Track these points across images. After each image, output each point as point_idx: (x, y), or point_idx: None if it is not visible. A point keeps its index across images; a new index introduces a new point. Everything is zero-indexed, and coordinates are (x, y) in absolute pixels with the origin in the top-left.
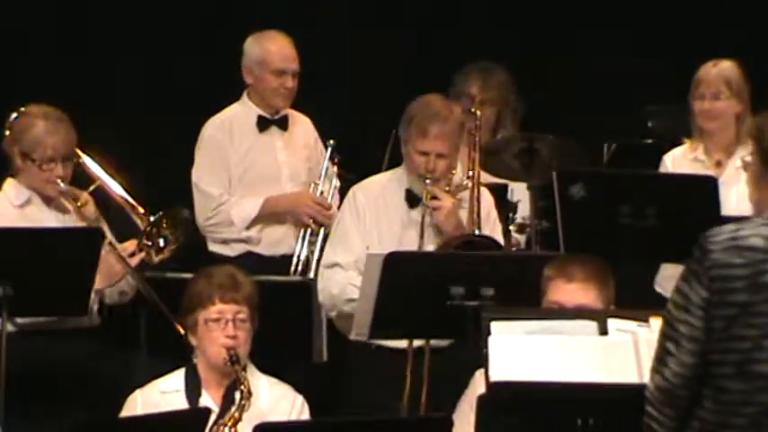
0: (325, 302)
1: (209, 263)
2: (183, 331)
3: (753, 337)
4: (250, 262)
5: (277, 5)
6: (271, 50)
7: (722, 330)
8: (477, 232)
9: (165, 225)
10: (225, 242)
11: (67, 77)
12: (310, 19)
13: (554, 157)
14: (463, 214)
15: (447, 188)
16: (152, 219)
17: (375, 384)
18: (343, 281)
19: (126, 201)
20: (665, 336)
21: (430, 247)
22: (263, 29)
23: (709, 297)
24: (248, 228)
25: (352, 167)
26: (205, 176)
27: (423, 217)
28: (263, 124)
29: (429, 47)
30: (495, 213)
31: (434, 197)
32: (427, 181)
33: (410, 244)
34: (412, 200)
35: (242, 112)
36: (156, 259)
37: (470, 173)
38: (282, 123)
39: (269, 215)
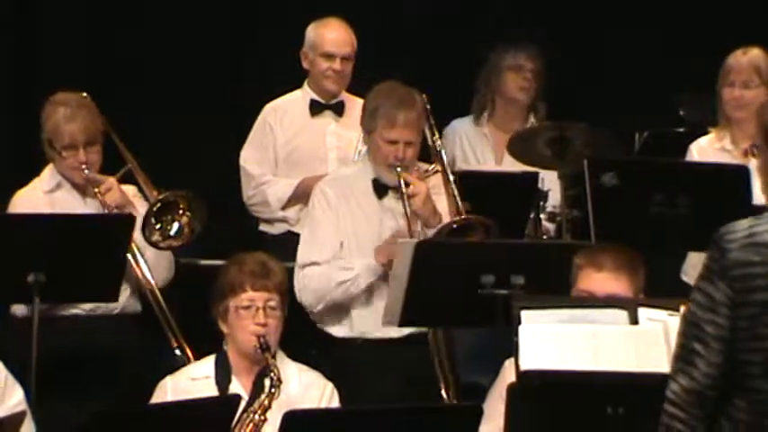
0: (309, 299)
1: (259, 243)
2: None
3: None
4: (291, 241)
5: (277, 5)
6: (322, 35)
7: (746, 330)
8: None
9: (180, 211)
10: (269, 221)
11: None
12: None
13: (586, 145)
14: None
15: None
16: (160, 196)
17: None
18: (324, 273)
19: (146, 183)
20: (690, 336)
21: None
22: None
23: (733, 296)
24: (284, 208)
25: None
26: (249, 157)
27: (404, 205)
28: (315, 108)
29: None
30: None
31: (408, 184)
32: (398, 169)
33: (389, 233)
34: (380, 190)
35: (298, 97)
36: (162, 244)
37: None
38: (338, 108)
39: (304, 196)
